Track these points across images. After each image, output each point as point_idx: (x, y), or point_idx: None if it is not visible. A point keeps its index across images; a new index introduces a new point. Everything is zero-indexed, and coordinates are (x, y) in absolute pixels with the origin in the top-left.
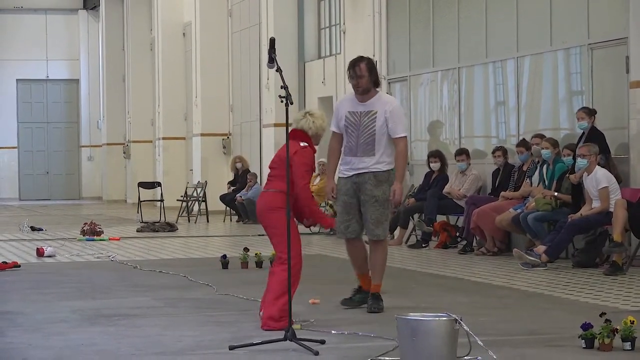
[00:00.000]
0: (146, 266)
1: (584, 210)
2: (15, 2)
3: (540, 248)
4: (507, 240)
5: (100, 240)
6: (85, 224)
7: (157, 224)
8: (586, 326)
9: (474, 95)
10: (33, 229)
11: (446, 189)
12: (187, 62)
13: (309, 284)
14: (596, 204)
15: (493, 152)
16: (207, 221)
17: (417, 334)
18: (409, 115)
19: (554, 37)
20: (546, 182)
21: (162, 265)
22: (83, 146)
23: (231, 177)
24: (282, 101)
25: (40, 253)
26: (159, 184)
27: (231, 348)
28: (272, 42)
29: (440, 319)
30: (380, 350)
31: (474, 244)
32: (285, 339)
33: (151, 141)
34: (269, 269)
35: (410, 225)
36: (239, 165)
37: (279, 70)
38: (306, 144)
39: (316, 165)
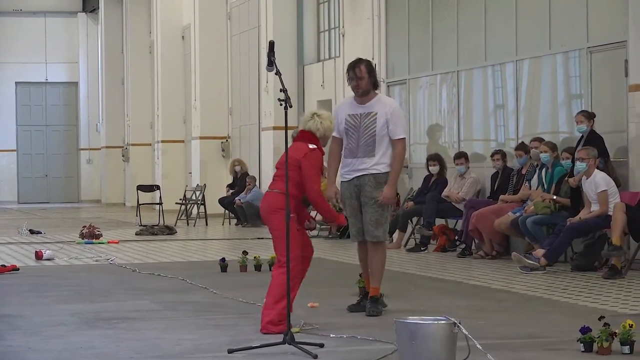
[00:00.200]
0: (145, 269)
1: (583, 214)
2: (14, 5)
3: (539, 251)
4: (505, 243)
5: (99, 243)
6: (84, 227)
7: (155, 227)
8: (585, 330)
9: (473, 99)
10: (32, 232)
11: (445, 192)
12: (186, 65)
13: (308, 288)
14: (595, 208)
15: (492, 156)
16: (206, 224)
17: (416, 338)
18: (408, 119)
19: (553, 40)
20: (545, 186)
21: (161, 268)
22: (82, 149)
23: (230, 180)
24: (281, 104)
25: (39, 256)
26: (158, 187)
27: (230, 351)
28: (272, 45)
29: (439, 322)
30: (379, 353)
31: (473, 247)
32: (284, 342)
33: (150, 144)
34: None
35: (409, 229)
36: (237, 168)
37: (278, 73)
38: (315, 145)
39: None
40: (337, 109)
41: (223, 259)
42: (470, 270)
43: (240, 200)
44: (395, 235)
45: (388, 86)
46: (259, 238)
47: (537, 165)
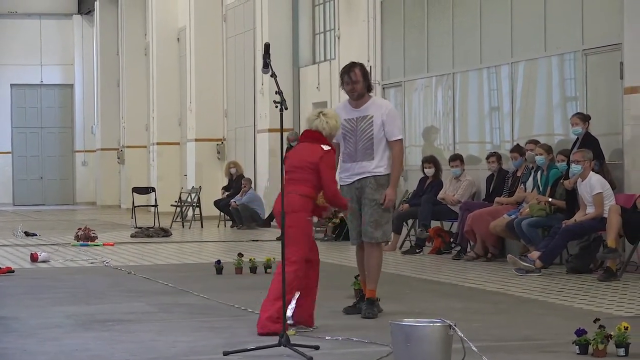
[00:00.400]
0: (140, 272)
1: (578, 216)
2: (9, 7)
3: (535, 254)
4: (501, 246)
5: (94, 245)
6: (79, 229)
7: (151, 229)
8: (580, 332)
9: (468, 101)
10: (27, 234)
11: (440, 194)
12: (182, 67)
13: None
14: (590, 210)
15: (487, 158)
16: (202, 226)
17: (411, 340)
18: (403, 121)
19: (548, 42)
20: (540, 188)
21: (156, 270)
22: (77, 151)
23: (225, 182)
24: (276, 106)
25: (34, 258)
26: (153, 189)
27: (225, 354)
28: (267, 47)
29: (435, 324)
30: (374, 356)
31: (468, 249)
32: (279, 344)
33: (145, 146)
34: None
35: (404, 231)
36: (233, 170)
37: (273, 75)
38: (328, 147)
39: None
40: None
41: (218, 261)
42: (465, 272)
43: (235, 202)
44: (391, 237)
45: (383, 88)
46: (254, 240)
47: (533, 168)
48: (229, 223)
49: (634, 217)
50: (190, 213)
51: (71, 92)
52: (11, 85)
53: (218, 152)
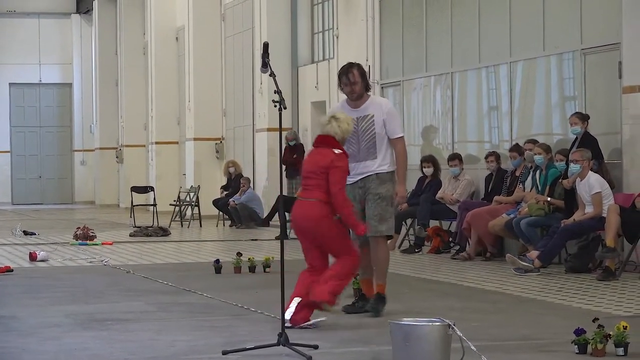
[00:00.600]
0: (139, 271)
1: (577, 216)
2: (8, 6)
3: (533, 253)
4: (499, 245)
5: (93, 244)
6: (78, 228)
7: (149, 228)
8: (579, 331)
9: (467, 100)
10: (26, 233)
11: (439, 194)
12: (180, 66)
13: None
14: (589, 210)
15: (486, 157)
16: (200, 226)
17: (410, 339)
18: (402, 120)
19: (547, 42)
20: (539, 188)
21: (155, 269)
22: (76, 150)
23: (224, 181)
24: (275, 106)
25: (33, 257)
26: (152, 189)
27: (224, 353)
28: (266, 46)
29: (433, 324)
30: (373, 355)
31: (467, 248)
32: (278, 344)
33: (144, 145)
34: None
35: (403, 231)
36: (232, 169)
37: (272, 74)
38: (340, 150)
39: None
40: None
41: (217, 261)
42: (464, 272)
43: (234, 201)
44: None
45: (382, 88)
46: (253, 240)
47: (531, 167)
48: (228, 222)
49: (632, 217)
50: (189, 212)
51: (70, 91)
52: (10, 84)
53: (217, 152)
